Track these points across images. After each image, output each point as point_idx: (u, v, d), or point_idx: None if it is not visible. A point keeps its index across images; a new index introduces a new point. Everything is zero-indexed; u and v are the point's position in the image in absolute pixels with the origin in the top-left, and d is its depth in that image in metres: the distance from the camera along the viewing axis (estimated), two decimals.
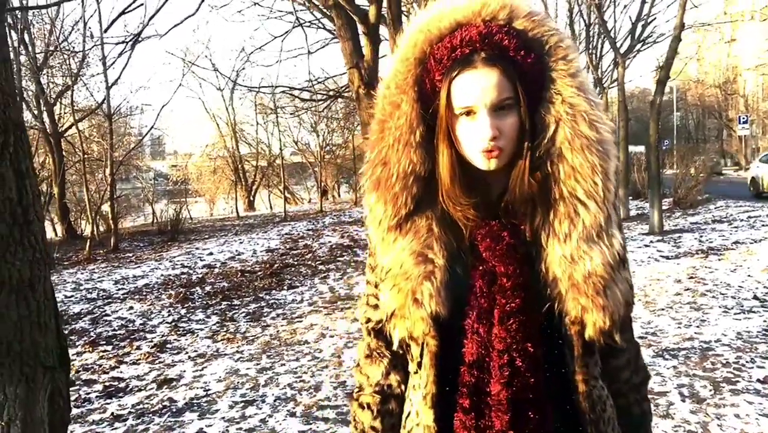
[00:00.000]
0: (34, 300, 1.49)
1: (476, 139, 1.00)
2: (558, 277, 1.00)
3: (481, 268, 1.03)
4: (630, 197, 16.25)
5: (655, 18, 13.40)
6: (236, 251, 12.59)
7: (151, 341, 5.85)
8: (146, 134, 22.73)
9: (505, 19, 1.01)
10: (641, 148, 20.62)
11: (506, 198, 1.05)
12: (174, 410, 4.05)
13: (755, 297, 5.80)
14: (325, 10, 7.57)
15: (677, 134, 51.75)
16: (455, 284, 1.04)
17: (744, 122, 38.75)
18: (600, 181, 1.00)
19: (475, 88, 0.98)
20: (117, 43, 10.84)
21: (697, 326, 5.03)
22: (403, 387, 1.18)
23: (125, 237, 16.63)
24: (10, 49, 13.45)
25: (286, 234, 15.20)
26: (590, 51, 16.43)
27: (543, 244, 1.02)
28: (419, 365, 1.09)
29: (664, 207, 13.74)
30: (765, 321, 5.02)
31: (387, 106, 1.07)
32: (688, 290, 6.32)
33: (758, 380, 3.84)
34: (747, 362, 4.17)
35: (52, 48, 15.23)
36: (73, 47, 15.39)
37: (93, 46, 13.46)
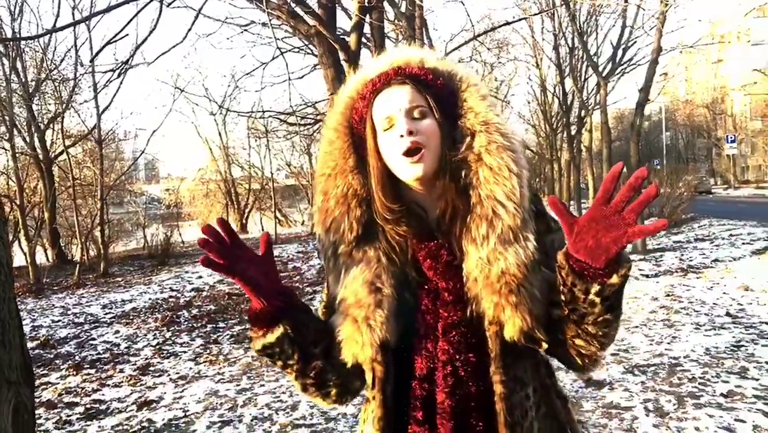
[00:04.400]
0: None
1: (396, 143, 1.10)
2: (475, 278, 1.06)
3: (426, 287, 1.12)
4: None
5: (635, 42, 13.70)
6: None
7: (135, 364, 5.92)
8: (136, 159, 22.83)
9: (418, 63, 1.17)
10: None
11: (437, 214, 1.13)
12: (152, 430, 4.12)
13: (728, 314, 5.93)
14: (307, 38, 7.76)
15: (667, 154, 52.27)
16: (404, 308, 1.12)
17: (732, 142, 39.34)
18: (516, 185, 1.08)
19: (391, 99, 1.12)
20: (106, 71, 10.99)
21: (668, 343, 5.15)
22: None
23: (115, 262, 16.67)
24: (1, 76, 13.64)
25: (276, 257, 15.19)
26: (574, 75, 16.76)
27: (464, 250, 1.09)
28: (372, 387, 1.15)
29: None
30: (734, 337, 5.15)
31: (325, 144, 1.20)
32: (663, 307, 6.44)
33: (721, 394, 3.94)
34: (712, 377, 4.28)
35: (43, 76, 15.42)
36: (65, 75, 15.60)
37: (83, 74, 13.63)
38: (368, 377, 1.16)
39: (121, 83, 15.04)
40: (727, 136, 41.98)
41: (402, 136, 1.09)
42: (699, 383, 4.19)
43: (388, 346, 1.10)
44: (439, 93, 1.14)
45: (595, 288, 0.98)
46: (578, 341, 1.06)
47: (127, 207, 28.96)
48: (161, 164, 49.19)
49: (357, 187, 1.15)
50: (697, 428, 3.49)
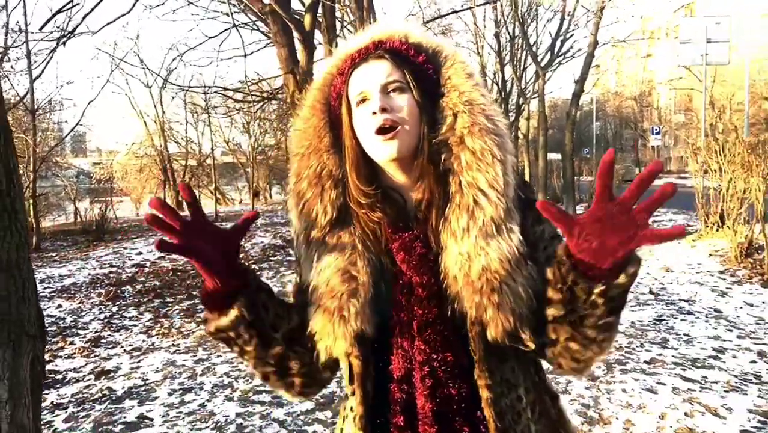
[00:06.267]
0: (20, 278, 1.73)
1: (369, 120, 1.02)
2: (455, 275, 0.97)
3: (400, 281, 1.04)
4: None
5: (572, 35, 14.29)
6: None
7: (85, 337, 5.92)
8: (71, 131, 21.98)
9: (401, 37, 1.10)
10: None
11: (415, 202, 1.05)
12: (114, 398, 4.22)
13: (650, 292, 6.48)
14: (261, 15, 7.79)
15: (596, 143, 54.34)
16: (381, 300, 1.04)
17: (657, 133, 41.27)
18: (500, 171, 0.99)
19: (367, 75, 1.04)
20: (48, 40, 10.51)
21: None
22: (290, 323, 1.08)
23: (47, 236, 16.15)
24: None
25: None
26: (514, 63, 17.29)
27: (443, 243, 1.00)
28: (351, 382, 1.07)
29: (579, 211, 14.66)
30: (656, 312, 5.67)
31: (299, 122, 1.13)
32: None
33: (645, 362, 4.39)
34: (637, 346, 4.74)
35: None
36: None
37: (21, 44, 12.97)
38: (345, 372, 1.09)
39: (54, 51, 14.41)
40: (652, 128, 44.00)
41: (375, 113, 1.01)
42: (625, 352, 4.63)
43: (365, 338, 1.02)
44: (420, 69, 1.06)
45: (599, 288, 0.88)
46: (573, 345, 0.96)
47: (53, 180, 27.77)
48: (91, 137, 47.38)
49: (332, 167, 1.08)
50: (624, 390, 3.90)
